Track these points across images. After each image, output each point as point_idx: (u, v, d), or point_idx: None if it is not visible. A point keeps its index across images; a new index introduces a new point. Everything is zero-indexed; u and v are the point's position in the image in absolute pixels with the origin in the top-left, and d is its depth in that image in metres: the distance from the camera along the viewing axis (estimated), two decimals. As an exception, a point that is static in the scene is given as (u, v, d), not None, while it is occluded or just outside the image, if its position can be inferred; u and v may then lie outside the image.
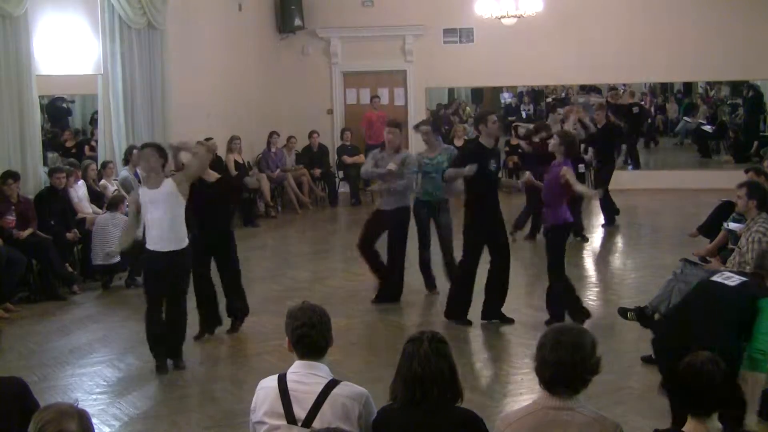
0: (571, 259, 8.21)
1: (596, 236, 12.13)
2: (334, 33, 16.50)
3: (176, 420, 5.89)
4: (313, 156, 15.47)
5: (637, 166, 17.01)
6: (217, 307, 7.74)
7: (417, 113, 16.03)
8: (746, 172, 8.31)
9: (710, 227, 8.87)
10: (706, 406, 3.28)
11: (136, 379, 6.76)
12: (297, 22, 16.12)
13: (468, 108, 19.49)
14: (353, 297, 8.91)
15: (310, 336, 3.54)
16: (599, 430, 3.15)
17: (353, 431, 3.42)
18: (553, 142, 7.83)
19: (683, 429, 3.32)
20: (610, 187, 12.35)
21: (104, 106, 11.19)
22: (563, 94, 19.53)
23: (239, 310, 7.82)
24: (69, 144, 12.38)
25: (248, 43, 15.21)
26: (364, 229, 8.81)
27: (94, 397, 6.38)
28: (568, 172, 7.43)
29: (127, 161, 10.94)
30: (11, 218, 9.06)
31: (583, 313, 7.58)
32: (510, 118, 18.86)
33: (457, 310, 7.87)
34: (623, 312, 7.18)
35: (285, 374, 3.58)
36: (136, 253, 8.76)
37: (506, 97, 21.03)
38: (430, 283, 9.00)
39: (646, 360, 6.58)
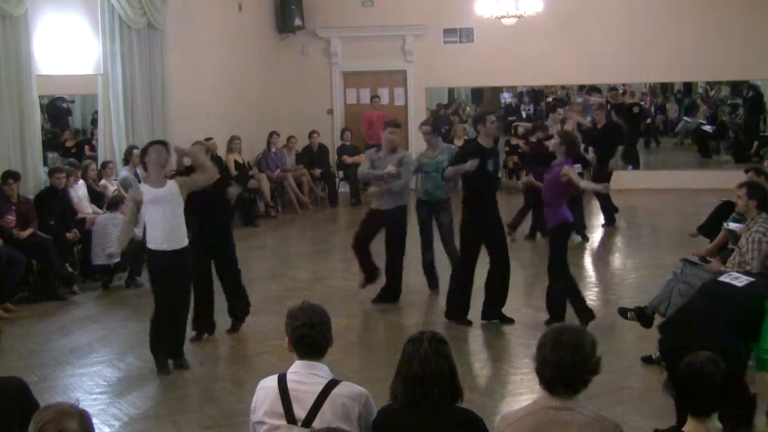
0: (572, 259, 8.20)
1: (596, 236, 12.13)
2: (334, 33, 16.50)
3: (176, 420, 5.89)
4: (313, 156, 15.46)
5: (637, 166, 17.01)
6: (213, 312, 7.70)
7: (417, 113, 16.02)
8: (746, 172, 8.31)
9: (710, 227, 8.87)
10: (706, 406, 3.29)
11: (136, 379, 6.76)
12: (297, 22, 16.12)
13: (468, 108, 19.47)
14: (353, 297, 8.90)
15: (310, 336, 3.54)
16: (599, 430, 3.15)
17: (353, 431, 3.42)
18: (554, 142, 7.83)
19: (683, 429, 3.32)
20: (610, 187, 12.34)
21: (104, 106, 11.19)
22: (563, 94, 19.52)
23: (240, 310, 7.81)
24: (69, 144, 12.37)
25: (248, 43, 15.20)
26: (360, 228, 8.78)
27: (94, 397, 6.37)
28: (570, 171, 7.43)
29: (127, 161, 10.94)
30: (11, 218, 9.06)
31: (589, 313, 7.57)
32: (510, 118, 18.87)
33: (457, 310, 7.86)
34: (623, 312, 7.18)
35: (285, 374, 3.58)
36: (135, 252, 8.77)
37: (506, 97, 21.04)
38: (433, 283, 9.00)
39: (646, 360, 6.60)
